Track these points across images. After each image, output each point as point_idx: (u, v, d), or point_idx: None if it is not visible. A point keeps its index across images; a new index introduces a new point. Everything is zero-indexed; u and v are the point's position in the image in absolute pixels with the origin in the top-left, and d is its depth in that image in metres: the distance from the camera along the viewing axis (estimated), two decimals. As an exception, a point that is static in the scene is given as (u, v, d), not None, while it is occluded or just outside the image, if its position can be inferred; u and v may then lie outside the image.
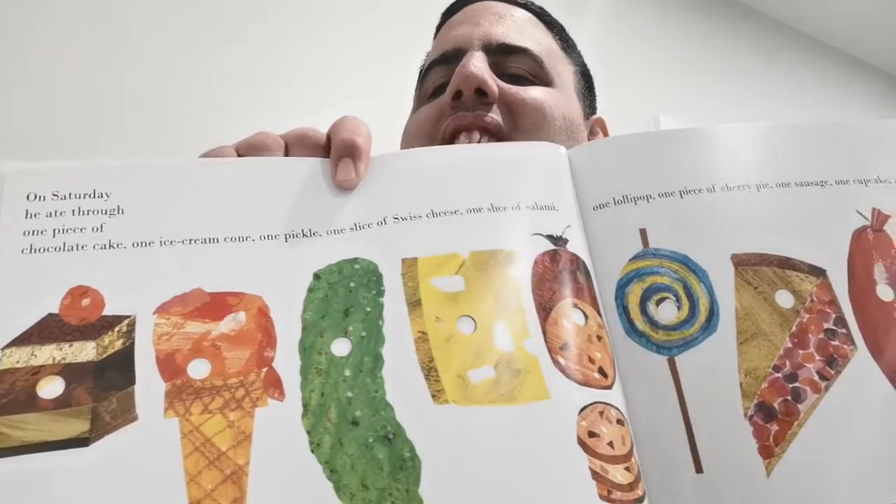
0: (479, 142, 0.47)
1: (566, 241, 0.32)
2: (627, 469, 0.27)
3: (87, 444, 0.24)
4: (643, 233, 0.32)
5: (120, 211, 0.29)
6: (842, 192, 0.33)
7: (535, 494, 0.25)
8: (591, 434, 0.27)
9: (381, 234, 0.31)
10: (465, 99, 0.48)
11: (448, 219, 0.32)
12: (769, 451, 0.27)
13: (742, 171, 0.33)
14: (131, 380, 0.25)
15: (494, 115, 0.48)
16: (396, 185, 0.33)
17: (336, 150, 0.33)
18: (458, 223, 0.31)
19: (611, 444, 0.27)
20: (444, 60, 0.53)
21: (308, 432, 0.25)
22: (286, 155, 0.34)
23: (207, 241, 0.29)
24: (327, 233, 0.31)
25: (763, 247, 0.31)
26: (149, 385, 0.25)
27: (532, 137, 0.48)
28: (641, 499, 0.27)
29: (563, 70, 0.55)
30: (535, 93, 0.50)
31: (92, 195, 0.29)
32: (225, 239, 0.30)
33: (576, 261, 0.31)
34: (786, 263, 0.31)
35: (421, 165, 0.34)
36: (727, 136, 0.34)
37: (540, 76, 0.52)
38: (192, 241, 0.29)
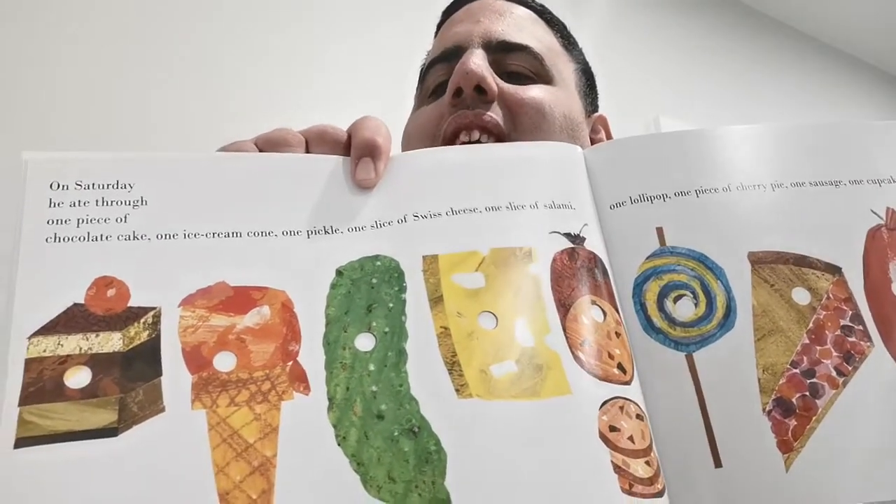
0: (478, 141, 0.47)
1: (584, 239, 0.32)
2: (648, 463, 0.27)
3: (115, 435, 0.24)
4: (660, 231, 0.32)
5: (143, 202, 0.29)
6: (856, 191, 0.33)
7: (560, 487, 0.25)
8: (612, 428, 0.27)
9: (402, 232, 0.31)
10: (466, 97, 0.48)
11: (468, 217, 0.32)
12: (788, 445, 0.28)
13: (757, 170, 0.34)
14: (158, 371, 0.25)
15: (494, 115, 0.47)
16: (416, 184, 0.33)
17: (357, 149, 0.33)
18: (478, 221, 0.32)
19: (631, 438, 0.27)
20: (445, 58, 0.52)
21: (334, 426, 0.26)
22: (306, 151, 0.34)
23: (231, 234, 0.29)
24: (349, 230, 0.31)
25: (779, 245, 0.32)
26: (175, 377, 0.25)
27: (532, 137, 0.48)
28: (661, 493, 0.27)
29: (563, 68, 0.55)
30: (534, 92, 0.50)
31: (115, 185, 0.29)
32: (248, 233, 0.30)
33: (593, 258, 0.32)
34: (802, 261, 0.31)
35: (440, 165, 0.34)
36: (742, 136, 0.35)
37: (540, 74, 0.52)
38: (216, 235, 0.29)
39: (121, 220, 0.29)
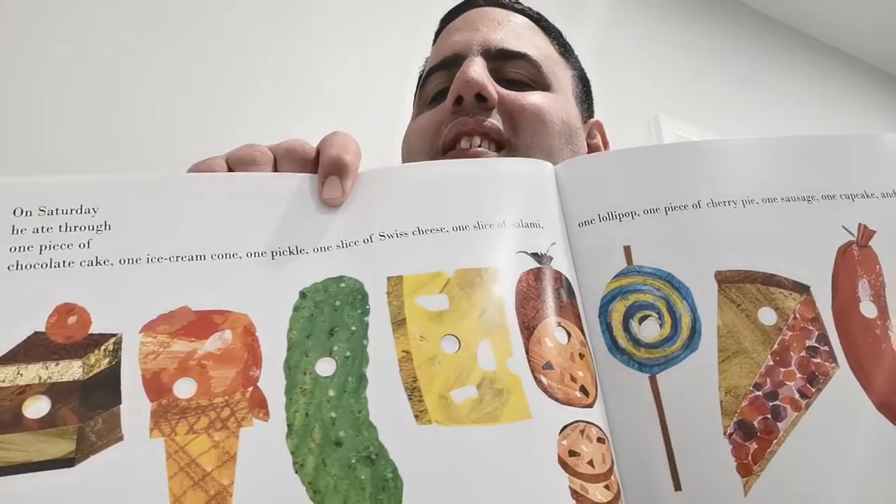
0: (479, 146, 0.48)
1: (550, 258, 0.32)
2: (607, 487, 0.27)
3: (72, 465, 0.24)
4: (627, 250, 0.32)
5: (107, 227, 0.29)
6: (828, 207, 0.33)
7: (515, 514, 0.26)
8: (572, 453, 0.27)
9: (368, 252, 0.31)
10: (466, 104, 0.48)
11: (434, 236, 0.32)
12: (747, 469, 0.28)
13: (728, 186, 0.33)
14: (117, 399, 0.26)
15: (494, 121, 0.48)
16: (383, 203, 0.33)
17: (323, 167, 0.33)
18: (444, 241, 0.32)
19: (591, 462, 0.27)
20: (444, 66, 0.53)
21: (292, 453, 0.26)
22: (275, 168, 0.34)
23: (194, 258, 0.30)
24: (314, 250, 0.31)
25: (747, 263, 0.31)
26: (135, 405, 0.26)
27: (532, 142, 0.49)
28: (621, 516, 0.27)
29: (561, 74, 0.55)
30: (533, 98, 0.50)
31: (79, 210, 0.29)
32: (212, 256, 0.30)
33: (559, 279, 0.32)
34: (770, 280, 0.31)
35: (408, 182, 0.34)
36: (713, 150, 0.34)
37: (538, 80, 0.53)
38: (179, 258, 0.29)
39: (84, 245, 0.29)
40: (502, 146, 0.49)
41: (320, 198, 0.32)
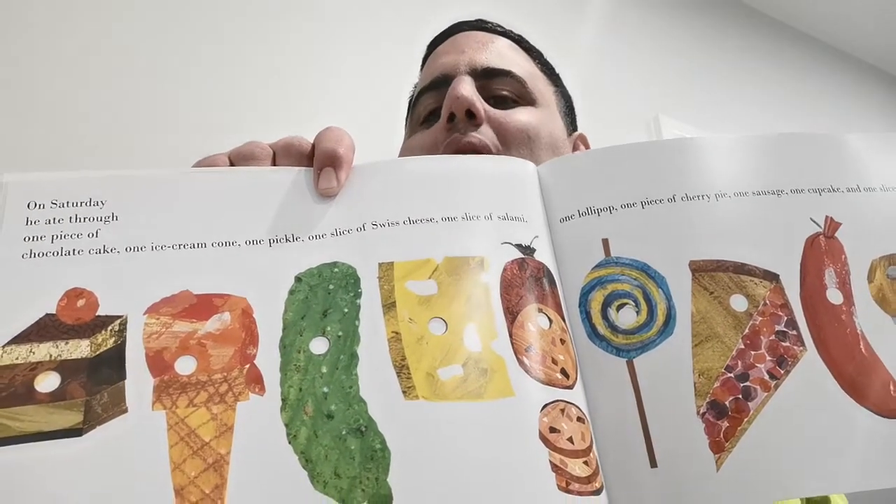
0: None
1: (534, 250, 0.34)
2: (586, 463, 0.29)
3: (80, 434, 0.26)
4: (605, 243, 0.34)
5: (114, 218, 0.31)
6: (797, 200, 0.35)
7: (497, 483, 0.27)
8: (552, 429, 0.29)
9: (361, 240, 0.33)
10: (458, 121, 0.51)
11: (424, 226, 0.33)
12: (720, 446, 0.29)
13: (701, 181, 0.35)
14: (122, 375, 0.27)
15: (484, 137, 0.51)
16: (376, 194, 0.35)
17: (319, 160, 0.35)
18: (434, 231, 0.33)
19: (570, 439, 0.29)
20: (434, 87, 0.57)
21: (286, 425, 0.27)
22: (274, 163, 0.36)
23: (196, 245, 0.31)
24: (309, 238, 0.33)
25: (720, 253, 0.33)
26: (138, 380, 0.27)
27: (520, 155, 0.52)
28: (599, 491, 0.29)
29: (545, 91, 0.59)
30: (521, 115, 0.54)
31: (88, 203, 0.31)
32: (212, 244, 0.32)
33: (542, 269, 0.33)
34: (741, 269, 0.33)
35: (400, 175, 0.36)
36: (687, 148, 0.36)
37: (524, 96, 0.56)
38: (182, 246, 0.31)
39: (92, 235, 0.30)
40: None
41: (316, 189, 0.34)
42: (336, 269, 0.32)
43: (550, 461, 0.28)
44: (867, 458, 0.29)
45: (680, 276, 0.33)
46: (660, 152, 0.36)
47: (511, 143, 0.52)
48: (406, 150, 0.58)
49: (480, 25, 0.62)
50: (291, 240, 0.32)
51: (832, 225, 0.34)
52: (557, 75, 0.64)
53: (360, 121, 1.17)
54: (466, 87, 0.52)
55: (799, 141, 0.37)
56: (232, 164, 0.36)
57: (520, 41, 0.63)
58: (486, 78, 0.55)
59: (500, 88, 0.55)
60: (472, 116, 0.51)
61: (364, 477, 0.26)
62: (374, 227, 0.33)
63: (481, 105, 0.52)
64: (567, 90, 0.65)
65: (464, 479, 0.27)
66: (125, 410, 0.27)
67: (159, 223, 0.32)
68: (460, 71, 0.55)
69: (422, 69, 0.64)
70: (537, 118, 0.54)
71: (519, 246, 0.34)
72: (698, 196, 0.35)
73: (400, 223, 0.33)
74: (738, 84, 1.90)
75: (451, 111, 0.51)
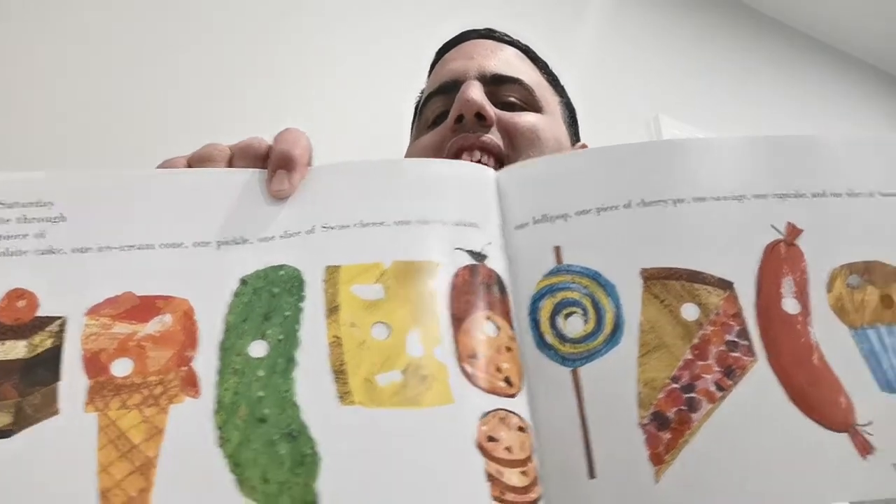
0: (479, 160, 0.52)
1: (485, 256, 0.33)
2: (524, 473, 0.28)
3: (9, 436, 0.26)
4: (557, 250, 0.33)
5: (62, 218, 0.31)
6: (759, 206, 0.34)
7: (428, 491, 0.27)
8: (490, 438, 0.28)
9: (309, 242, 0.33)
10: (467, 122, 0.52)
11: (375, 229, 0.33)
12: (659, 458, 0.28)
13: (660, 186, 0.34)
14: (57, 377, 0.27)
15: (493, 137, 0.52)
16: (330, 196, 0.34)
17: (272, 162, 0.35)
18: (385, 234, 0.33)
19: (508, 448, 0.29)
20: (443, 91, 0.58)
21: (219, 428, 0.27)
22: (230, 164, 0.36)
23: (143, 247, 0.31)
24: (258, 240, 0.33)
25: (674, 261, 0.33)
26: (73, 382, 0.27)
27: (528, 157, 0.53)
28: (535, 501, 0.28)
29: (550, 100, 0.60)
30: (528, 118, 0.55)
31: (36, 203, 0.31)
32: (160, 245, 0.32)
33: (492, 275, 0.33)
34: (695, 277, 0.32)
35: (356, 178, 0.35)
36: (646, 152, 0.35)
37: (531, 104, 0.57)
38: (129, 248, 0.31)
39: (38, 235, 0.31)
40: (501, 161, 0.53)
41: (269, 191, 0.34)
42: (282, 272, 0.32)
43: (486, 470, 0.28)
44: (812, 473, 0.28)
45: (631, 285, 0.32)
46: (618, 157, 0.35)
47: (519, 144, 0.53)
48: (412, 151, 0.59)
49: (489, 34, 0.63)
50: (240, 242, 0.32)
51: (793, 232, 0.34)
52: (562, 86, 0.66)
53: (364, 125, 1.17)
54: (476, 92, 0.53)
55: (765, 144, 0.36)
56: (189, 167, 0.36)
57: (527, 51, 0.64)
58: (495, 84, 0.56)
59: (509, 95, 0.56)
60: (481, 118, 0.52)
61: (293, 482, 0.26)
62: (325, 229, 0.33)
63: (491, 108, 0.53)
64: (571, 101, 0.66)
65: (393, 486, 0.27)
66: (57, 412, 0.27)
67: (108, 224, 0.32)
68: (470, 76, 0.56)
69: (429, 75, 0.65)
70: (544, 123, 0.56)
71: (471, 252, 0.33)
72: (655, 201, 0.34)
73: (351, 226, 0.33)
74: (739, 84, 1.88)
75: (460, 112, 0.52)
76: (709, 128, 1.68)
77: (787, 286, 0.32)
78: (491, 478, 0.28)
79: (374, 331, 0.30)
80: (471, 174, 0.36)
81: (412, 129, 0.66)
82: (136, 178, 0.34)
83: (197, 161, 0.36)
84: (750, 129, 1.79)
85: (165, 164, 0.37)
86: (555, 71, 0.66)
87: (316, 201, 0.34)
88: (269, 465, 0.26)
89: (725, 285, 0.32)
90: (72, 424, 0.26)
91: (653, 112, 1.63)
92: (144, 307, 0.30)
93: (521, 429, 0.29)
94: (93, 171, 0.33)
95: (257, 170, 0.35)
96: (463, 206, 0.35)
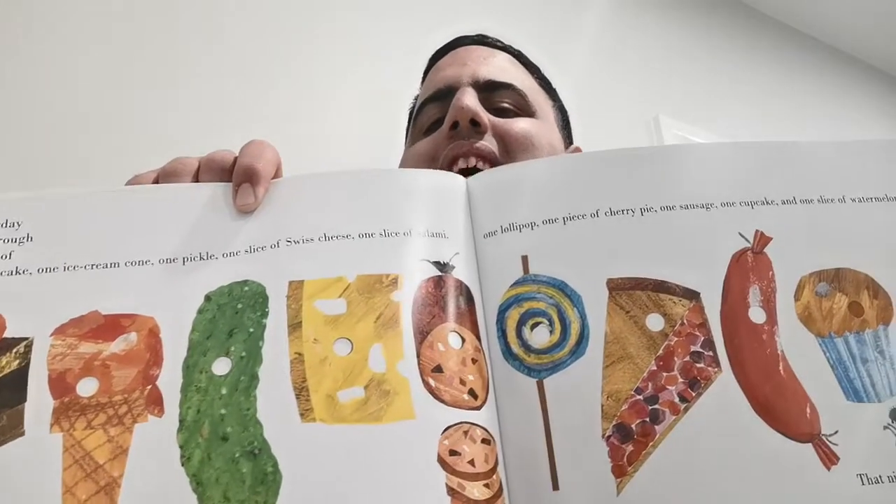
0: (474, 166, 0.52)
1: (452, 267, 0.33)
2: (487, 486, 0.29)
3: (-26, 458, 0.26)
4: (524, 259, 0.33)
5: (29, 239, 0.32)
6: (727, 214, 0.34)
7: (387, 508, 0.27)
8: (453, 452, 0.29)
9: (274, 257, 0.33)
10: (461, 129, 0.53)
11: (339, 243, 0.33)
12: (622, 470, 0.29)
13: (628, 195, 0.34)
14: (22, 398, 0.28)
15: (488, 143, 0.53)
16: (294, 209, 0.34)
17: (237, 175, 0.35)
18: (349, 247, 0.33)
19: (472, 461, 0.29)
20: (437, 98, 0.58)
21: (181, 446, 0.28)
22: (197, 178, 0.36)
23: (109, 265, 0.32)
24: (223, 255, 0.33)
25: (640, 271, 0.32)
26: (39, 402, 0.28)
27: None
28: (499, 513, 0.28)
29: (543, 104, 0.61)
30: (522, 124, 0.55)
31: (4, 225, 0.32)
32: (126, 263, 0.32)
33: (459, 286, 0.33)
34: (661, 287, 0.32)
35: (320, 190, 0.35)
36: (614, 161, 0.35)
37: (525, 109, 0.57)
38: (95, 266, 0.32)
39: (6, 256, 0.31)
40: (496, 166, 0.52)
41: (234, 205, 0.34)
42: (246, 288, 0.32)
43: (447, 485, 0.28)
44: (775, 484, 0.28)
45: (597, 295, 0.32)
46: (584, 166, 0.35)
47: (514, 150, 0.53)
48: (407, 158, 0.60)
49: (482, 40, 0.64)
50: (206, 258, 0.32)
51: (762, 240, 0.33)
52: (554, 90, 0.66)
53: (359, 131, 1.17)
54: (470, 98, 0.53)
55: (733, 151, 0.36)
56: (157, 182, 0.36)
57: (519, 56, 0.64)
58: (489, 90, 0.57)
59: (502, 101, 0.57)
60: (475, 125, 0.53)
61: (253, 501, 0.26)
62: (289, 243, 0.33)
63: (485, 115, 0.54)
64: (563, 105, 0.66)
65: (353, 501, 0.27)
66: (22, 433, 0.27)
67: (74, 244, 0.32)
68: (463, 83, 0.57)
69: (423, 81, 0.65)
70: (538, 128, 0.56)
71: (437, 263, 0.33)
72: (622, 210, 0.34)
73: (315, 240, 0.33)
74: (739, 84, 1.87)
75: (455, 119, 0.53)
76: (709, 128, 1.67)
77: (754, 295, 0.32)
78: (452, 492, 0.28)
79: (337, 346, 0.31)
80: (441, 183, 0.36)
81: (406, 135, 0.66)
82: (104, 197, 0.34)
83: (164, 176, 0.36)
84: (750, 129, 1.77)
85: (134, 180, 0.37)
86: (555, 72, 0.66)
87: (281, 214, 0.34)
88: (231, 484, 0.27)
89: (692, 295, 0.32)
90: (37, 445, 0.27)
91: (653, 112, 1.62)
92: (109, 326, 0.30)
93: (485, 441, 0.30)
94: (61, 189, 0.34)
95: (223, 184, 0.35)
96: (431, 216, 0.35)
